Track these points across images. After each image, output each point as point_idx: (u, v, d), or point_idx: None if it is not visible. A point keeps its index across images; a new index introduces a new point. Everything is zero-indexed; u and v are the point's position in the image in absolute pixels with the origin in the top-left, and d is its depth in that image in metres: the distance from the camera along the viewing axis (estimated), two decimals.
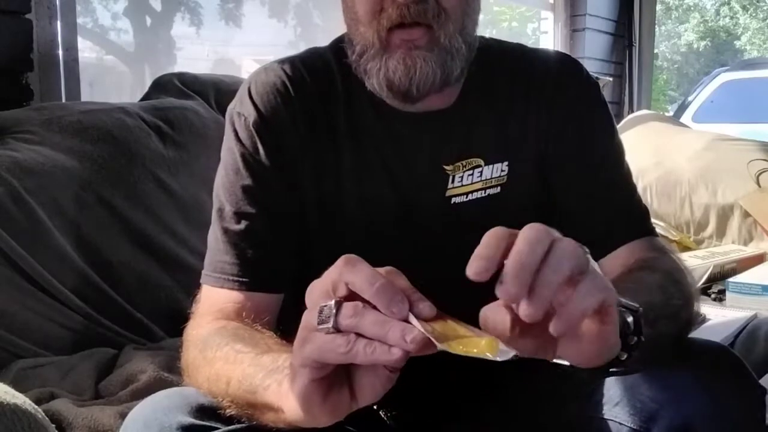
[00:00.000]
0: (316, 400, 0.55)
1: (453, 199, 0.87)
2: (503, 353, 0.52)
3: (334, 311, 0.52)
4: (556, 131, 0.90)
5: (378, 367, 0.54)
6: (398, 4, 0.78)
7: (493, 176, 0.89)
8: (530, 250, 0.51)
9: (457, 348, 0.52)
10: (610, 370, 0.64)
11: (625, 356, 0.61)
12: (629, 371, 0.66)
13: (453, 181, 0.87)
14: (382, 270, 0.54)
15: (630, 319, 0.61)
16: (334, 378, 0.55)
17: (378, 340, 0.51)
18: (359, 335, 0.52)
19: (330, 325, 0.52)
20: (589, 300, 0.52)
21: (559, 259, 0.51)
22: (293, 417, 0.58)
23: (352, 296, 0.53)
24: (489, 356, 0.52)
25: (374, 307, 0.52)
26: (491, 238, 0.53)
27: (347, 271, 0.53)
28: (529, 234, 0.52)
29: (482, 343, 0.52)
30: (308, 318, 0.54)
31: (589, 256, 0.55)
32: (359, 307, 0.52)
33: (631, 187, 0.94)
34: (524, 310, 0.51)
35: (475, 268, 0.51)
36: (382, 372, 0.54)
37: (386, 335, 0.51)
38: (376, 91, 0.84)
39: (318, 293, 0.54)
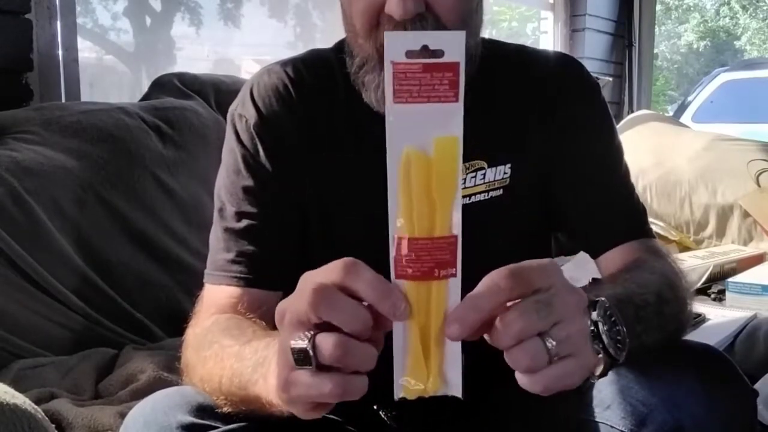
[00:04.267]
0: (318, 414, 0.55)
1: None
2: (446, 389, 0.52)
3: (311, 351, 0.51)
4: (557, 132, 0.90)
5: None
6: (395, 22, 0.77)
7: (495, 179, 0.89)
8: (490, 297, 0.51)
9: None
10: None
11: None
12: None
13: None
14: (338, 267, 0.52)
15: (602, 362, 0.60)
16: None
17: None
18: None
19: (313, 366, 0.51)
20: (568, 381, 0.53)
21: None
22: (286, 411, 0.58)
23: (322, 325, 0.52)
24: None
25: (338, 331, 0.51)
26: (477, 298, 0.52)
27: (349, 278, 0.52)
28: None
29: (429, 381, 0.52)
30: (284, 354, 0.53)
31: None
32: (340, 343, 0.50)
33: (629, 188, 0.95)
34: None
35: (454, 332, 0.51)
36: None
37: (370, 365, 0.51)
38: (374, 105, 0.84)
39: (289, 321, 0.53)
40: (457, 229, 0.52)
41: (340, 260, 0.52)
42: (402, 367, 0.52)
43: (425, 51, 0.50)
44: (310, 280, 0.53)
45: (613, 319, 0.61)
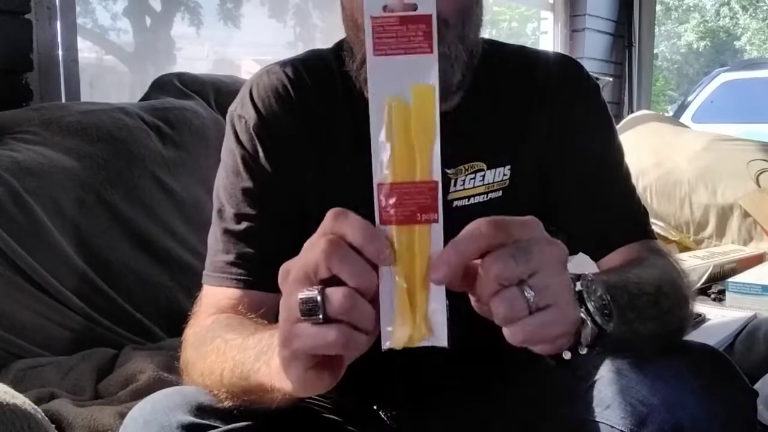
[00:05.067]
0: (315, 383, 0.56)
1: (454, 203, 0.87)
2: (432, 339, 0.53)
3: (320, 300, 0.52)
4: (557, 133, 0.90)
5: None
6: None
7: (495, 180, 0.89)
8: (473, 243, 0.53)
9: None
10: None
11: (569, 356, 0.61)
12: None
13: (455, 185, 0.87)
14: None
15: (589, 330, 0.61)
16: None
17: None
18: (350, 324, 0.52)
19: (320, 316, 0.52)
20: (548, 332, 0.54)
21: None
22: (289, 393, 0.59)
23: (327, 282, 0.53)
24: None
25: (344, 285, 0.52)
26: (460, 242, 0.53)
27: (337, 223, 0.53)
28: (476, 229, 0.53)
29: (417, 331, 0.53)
30: (289, 308, 0.53)
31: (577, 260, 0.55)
32: (349, 295, 0.52)
33: (630, 189, 0.95)
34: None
35: (438, 274, 0.52)
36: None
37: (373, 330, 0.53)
38: None
39: (295, 276, 0.54)
40: (437, 176, 0.54)
41: (330, 210, 0.54)
42: (389, 316, 0.53)
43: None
44: (312, 241, 0.54)
45: (596, 290, 0.62)
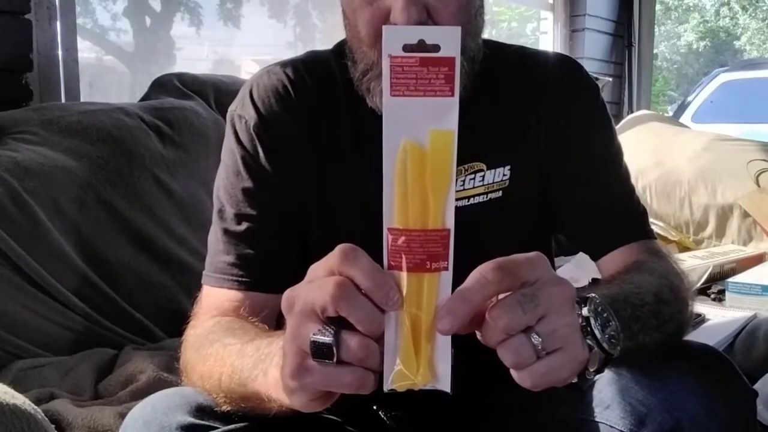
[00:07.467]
0: (315, 406, 0.56)
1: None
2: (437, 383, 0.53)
3: (334, 346, 0.51)
4: (556, 133, 0.90)
5: None
6: None
7: (495, 181, 0.89)
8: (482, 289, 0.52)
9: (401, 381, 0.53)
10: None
11: (575, 379, 0.60)
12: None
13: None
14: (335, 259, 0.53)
15: (597, 357, 0.60)
16: None
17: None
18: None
19: (333, 360, 0.51)
20: (556, 376, 0.54)
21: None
22: (287, 406, 0.59)
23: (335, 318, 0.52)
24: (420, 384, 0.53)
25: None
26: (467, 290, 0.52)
27: (346, 264, 0.52)
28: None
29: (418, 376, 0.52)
30: (298, 342, 0.53)
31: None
32: (366, 344, 0.52)
33: (629, 189, 0.95)
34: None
35: (444, 325, 0.52)
36: None
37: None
38: (379, 110, 0.84)
39: (302, 310, 0.53)
40: (450, 223, 0.53)
41: (339, 246, 0.53)
42: (392, 359, 0.52)
43: (423, 48, 0.51)
44: (317, 270, 0.54)
45: (604, 314, 0.61)
